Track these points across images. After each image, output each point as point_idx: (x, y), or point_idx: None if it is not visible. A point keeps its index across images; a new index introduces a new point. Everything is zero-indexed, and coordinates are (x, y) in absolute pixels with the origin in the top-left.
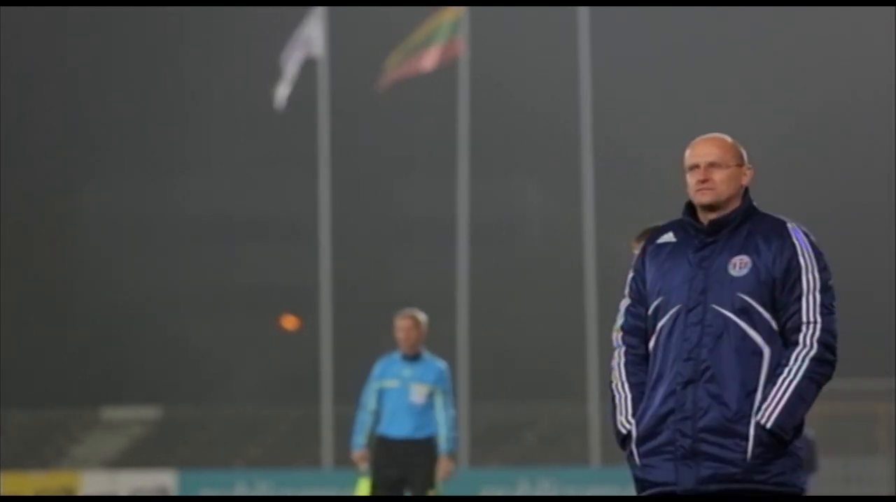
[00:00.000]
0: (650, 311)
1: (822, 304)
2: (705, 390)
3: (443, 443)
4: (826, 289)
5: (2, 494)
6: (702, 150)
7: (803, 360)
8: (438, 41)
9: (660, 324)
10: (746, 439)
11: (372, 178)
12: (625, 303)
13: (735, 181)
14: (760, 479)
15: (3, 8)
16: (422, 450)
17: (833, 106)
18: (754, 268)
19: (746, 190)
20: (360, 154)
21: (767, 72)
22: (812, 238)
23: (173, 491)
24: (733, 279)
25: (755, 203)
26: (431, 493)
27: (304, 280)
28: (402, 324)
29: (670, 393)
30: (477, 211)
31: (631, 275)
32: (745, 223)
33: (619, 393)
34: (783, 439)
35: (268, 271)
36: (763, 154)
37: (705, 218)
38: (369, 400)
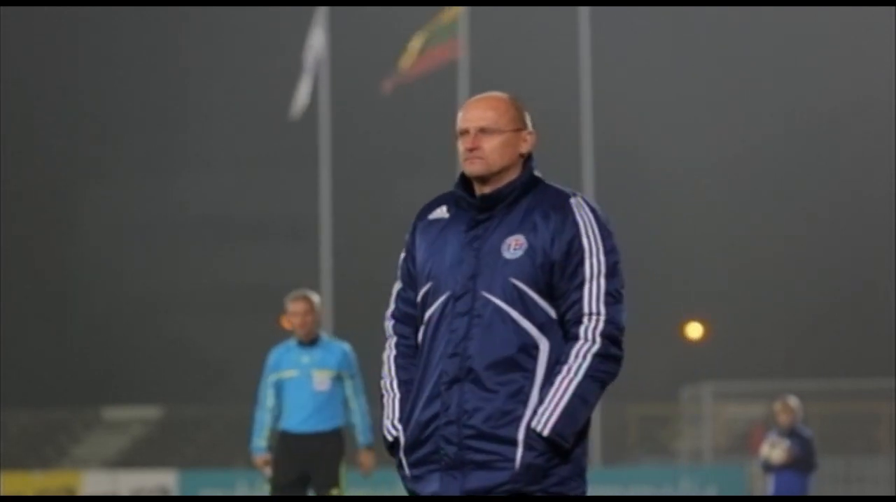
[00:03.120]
0: (419, 298)
1: (608, 292)
2: (472, 390)
3: (360, 435)
4: (612, 275)
5: (3, 494)
6: (472, 114)
7: (584, 357)
8: (439, 41)
9: (428, 314)
10: (516, 445)
11: (372, 178)
12: (396, 286)
13: (510, 148)
14: (533, 489)
15: (3, 8)
16: (329, 444)
17: (833, 105)
18: (530, 250)
19: (530, 158)
20: (361, 154)
21: (768, 71)
22: (600, 213)
23: (174, 490)
24: (506, 262)
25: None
26: (335, 492)
27: (305, 280)
28: (296, 308)
29: (435, 396)
30: None
31: (402, 255)
32: (525, 197)
33: (387, 392)
34: (562, 447)
35: (268, 271)
36: (763, 153)
37: (480, 191)
38: (266, 396)
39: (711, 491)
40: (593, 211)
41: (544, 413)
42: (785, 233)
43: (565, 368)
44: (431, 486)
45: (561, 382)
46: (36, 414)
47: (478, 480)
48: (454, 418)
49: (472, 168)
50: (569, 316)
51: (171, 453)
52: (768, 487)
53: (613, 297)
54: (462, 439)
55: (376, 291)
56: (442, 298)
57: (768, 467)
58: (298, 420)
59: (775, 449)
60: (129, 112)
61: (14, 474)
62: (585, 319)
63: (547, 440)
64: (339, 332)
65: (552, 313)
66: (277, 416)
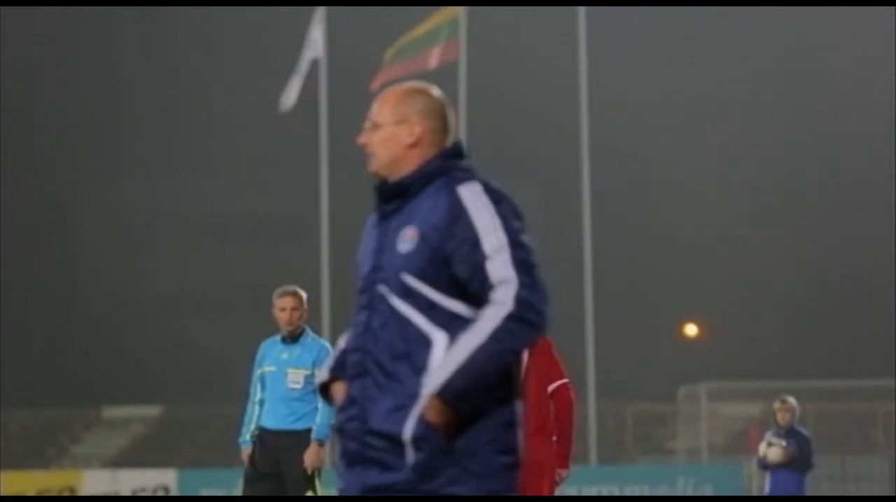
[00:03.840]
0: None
1: (516, 259)
2: (370, 386)
3: (315, 430)
4: (518, 245)
5: (3, 493)
6: (371, 109)
7: (492, 319)
8: (439, 41)
9: (353, 310)
10: (407, 443)
11: (372, 179)
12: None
13: (394, 142)
14: (425, 488)
15: (3, 8)
16: (299, 443)
17: (833, 105)
18: (420, 242)
19: (445, 150)
20: (360, 154)
21: (767, 71)
22: (494, 189)
23: (174, 490)
24: (399, 255)
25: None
26: (310, 493)
27: (304, 280)
28: (283, 303)
29: (346, 391)
30: None
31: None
32: (425, 188)
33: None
34: (455, 407)
35: (268, 271)
36: (762, 153)
37: None
38: (255, 390)
39: (708, 491)
40: (487, 194)
41: (437, 371)
42: (782, 233)
43: (472, 328)
44: (341, 482)
45: (462, 343)
46: (36, 414)
47: (374, 478)
48: (356, 414)
49: (369, 164)
50: (483, 291)
51: (171, 453)
52: (765, 486)
53: (524, 264)
54: (361, 435)
55: None
56: (360, 294)
57: (765, 466)
58: (273, 416)
59: (773, 448)
60: (129, 112)
61: (15, 473)
62: (498, 286)
63: (439, 399)
64: (338, 332)
65: (451, 306)
66: (263, 413)
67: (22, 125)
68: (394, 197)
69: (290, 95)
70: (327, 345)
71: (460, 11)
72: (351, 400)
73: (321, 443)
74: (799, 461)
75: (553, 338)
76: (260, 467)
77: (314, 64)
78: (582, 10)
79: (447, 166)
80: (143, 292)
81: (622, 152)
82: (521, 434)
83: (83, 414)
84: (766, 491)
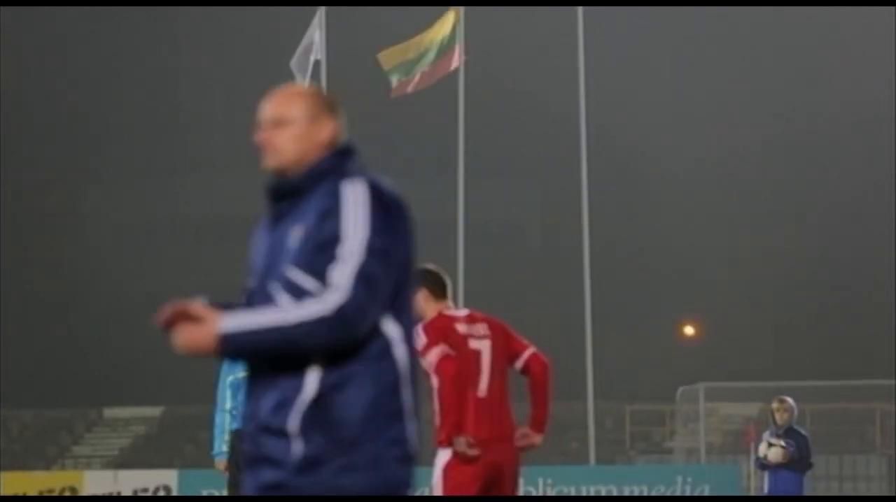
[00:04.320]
0: None
1: (361, 271)
2: (261, 384)
3: None
4: (370, 257)
5: (5, 493)
6: (266, 107)
7: (309, 312)
8: (451, 44)
9: None
10: (293, 436)
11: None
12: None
13: (306, 139)
14: (314, 480)
15: (3, 8)
16: None
17: (833, 106)
18: (304, 240)
19: (337, 147)
20: (360, 156)
21: (767, 72)
22: (378, 192)
23: (175, 490)
24: (288, 253)
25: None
26: None
27: None
28: None
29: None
30: (475, 212)
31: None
32: (318, 186)
33: None
34: (220, 353)
35: None
36: (761, 154)
37: None
38: (224, 397)
39: (706, 491)
40: (369, 195)
41: (239, 317)
42: (780, 234)
43: (290, 306)
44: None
45: (273, 311)
46: (38, 414)
47: (265, 476)
48: (249, 414)
49: (268, 162)
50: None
51: (173, 453)
52: (764, 486)
53: (364, 278)
54: (254, 434)
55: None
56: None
57: (764, 466)
58: None
59: (773, 448)
60: (130, 114)
61: (16, 474)
62: (331, 288)
63: (220, 341)
64: None
65: None
66: (237, 418)
67: (23, 126)
68: (286, 196)
69: None
70: None
71: (460, 13)
72: (246, 401)
73: None
74: (798, 461)
75: (552, 337)
76: (238, 472)
77: (315, 65)
78: (580, 11)
79: (339, 164)
80: (144, 292)
81: (621, 152)
82: (411, 427)
83: (85, 414)
84: (766, 491)
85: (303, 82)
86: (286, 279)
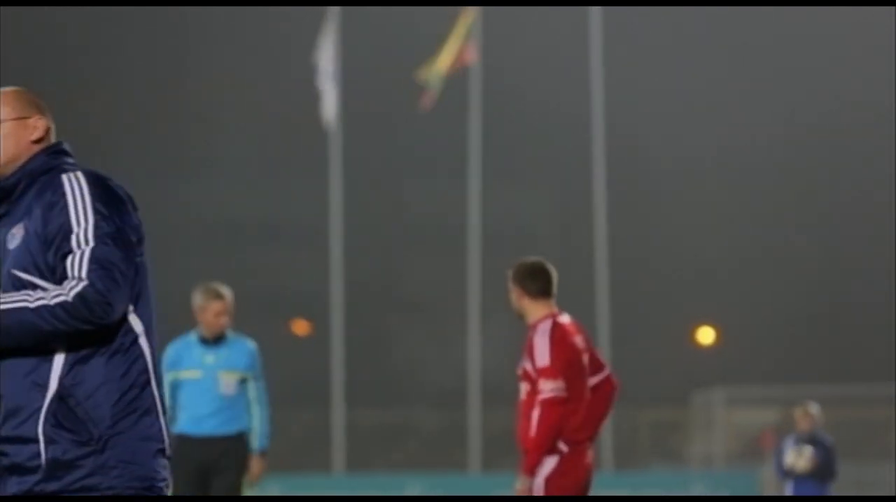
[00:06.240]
0: None
1: (92, 260)
2: (6, 392)
3: (255, 440)
4: (103, 243)
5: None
6: None
7: (50, 297)
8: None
9: None
10: (38, 441)
11: (383, 183)
12: None
13: (15, 139)
14: (66, 481)
15: (3, 8)
16: (232, 447)
17: (838, 105)
18: (26, 238)
19: (49, 146)
20: (372, 158)
21: (779, 71)
22: (98, 180)
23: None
24: (9, 253)
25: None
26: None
27: (316, 285)
28: (216, 307)
29: None
30: (488, 215)
31: None
32: (34, 185)
33: None
34: None
35: (279, 276)
36: (781, 153)
37: None
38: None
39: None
40: (90, 183)
41: None
42: (798, 237)
43: (31, 293)
44: None
45: (13, 297)
46: None
47: (15, 484)
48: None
49: None
50: (63, 280)
51: None
52: (787, 494)
53: (100, 265)
54: (2, 444)
55: (387, 295)
56: None
57: (790, 474)
58: (200, 423)
59: (801, 458)
60: (138, 116)
61: None
62: (71, 278)
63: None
64: (350, 336)
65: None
66: (173, 418)
67: None
68: (2, 199)
69: (329, 108)
70: (254, 345)
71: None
72: None
73: (264, 453)
74: (824, 470)
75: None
76: (186, 477)
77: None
78: (595, 11)
79: (54, 161)
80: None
81: (635, 153)
82: (163, 421)
83: None
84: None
85: (332, 86)
86: (16, 279)
